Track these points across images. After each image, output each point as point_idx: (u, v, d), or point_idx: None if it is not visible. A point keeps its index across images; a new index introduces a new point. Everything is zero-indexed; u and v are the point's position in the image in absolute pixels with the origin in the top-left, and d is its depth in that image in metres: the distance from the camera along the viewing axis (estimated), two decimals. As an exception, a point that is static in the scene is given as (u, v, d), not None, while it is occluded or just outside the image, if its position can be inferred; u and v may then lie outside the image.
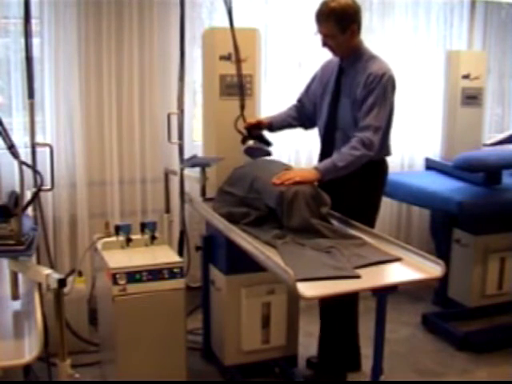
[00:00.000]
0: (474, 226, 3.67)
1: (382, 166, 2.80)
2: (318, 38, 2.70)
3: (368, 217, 2.76)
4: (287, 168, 2.69)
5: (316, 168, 2.55)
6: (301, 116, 2.99)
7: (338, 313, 2.81)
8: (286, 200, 2.41)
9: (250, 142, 2.85)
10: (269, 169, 2.69)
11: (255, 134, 2.87)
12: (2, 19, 3.35)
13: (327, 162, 2.56)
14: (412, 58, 4.31)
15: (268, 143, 2.90)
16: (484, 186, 3.59)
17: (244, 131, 2.85)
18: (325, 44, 2.69)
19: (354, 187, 2.68)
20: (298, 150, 4.04)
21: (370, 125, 2.55)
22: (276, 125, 2.96)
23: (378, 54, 2.74)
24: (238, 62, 2.82)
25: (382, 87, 2.57)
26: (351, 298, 2.79)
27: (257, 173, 2.68)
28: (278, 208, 2.46)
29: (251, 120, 2.86)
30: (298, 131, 3.68)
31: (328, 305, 2.80)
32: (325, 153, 2.82)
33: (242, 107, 2.85)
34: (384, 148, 2.71)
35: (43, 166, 2.78)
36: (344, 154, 2.54)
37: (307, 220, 2.38)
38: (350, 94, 2.67)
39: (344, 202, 2.66)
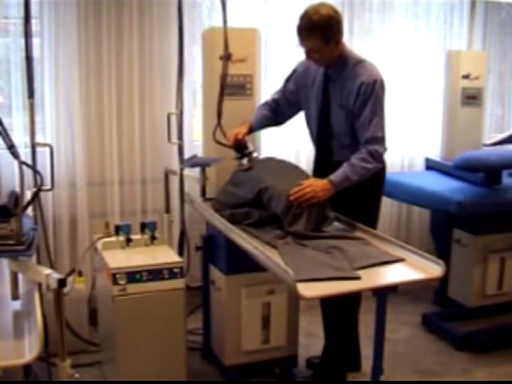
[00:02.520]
0: (474, 226, 3.67)
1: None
2: (301, 51, 2.66)
3: (370, 216, 2.77)
4: (301, 178, 2.63)
5: (330, 181, 2.54)
6: (275, 115, 2.94)
7: (340, 313, 2.81)
8: (292, 211, 2.44)
9: (244, 162, 2.79)
10: (279, 174, 2.67)
11: (239, 145, 2.78)
12: (1, 19, 3.34)
13: (340, 174, 2.55)
14: (412, 58, 4.30)
15: (251, 153, 2.80)
16: (484, 186, 3.58)
17: (229, 143, 2.79)
18: (309, 57, 2.64)
19: (355, 187, 2.67)
20: (298, 150, 4.03)
21: (375, 136, 2.58)
22: (255, 128, 2.90)
23: (364, 55, 2.73)
24: (227, 59, 2.77)
25: (376, 95, 2.58)
26: (353, 298, 2.79)
27: (265, 176, 2.64)
28: (282, 216, 2.48)
29: (237, 136, 2.75)
30: (298, 131, 3.69)
31: (330, 305, 2.79)
32: (321, 159, 2.86)
33: (219, 114, 2.79)
34: None
35: (43, 166, 2.77)
36: (356, 167, 2.55)
37: (301, 232, 2.42)
38: (342, 103, 2.66)
39: (346, 204, 2.65)
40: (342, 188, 2.55)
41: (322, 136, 2.81)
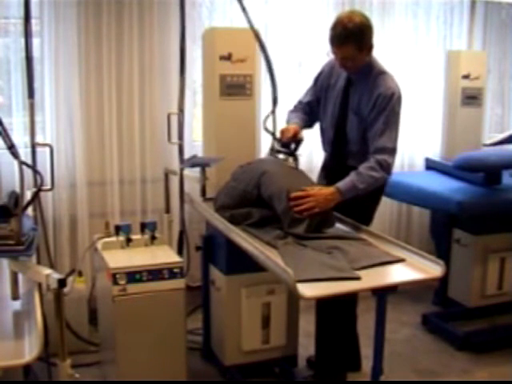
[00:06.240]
0: (474, 226, 3.67)
1: None
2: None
3: (363, 215, 2.76)
4: (304, 179, 2.64)
5: (337, 189, 2.53)
6: (309, 118, 2.93)
7: (336, 313, 2.81)
8: (292, 213, 2.43)
9: (290, 160, 2.75)
10: (281, 170, 2.66)
11: (293, 143, 2.73)
12: (1, 19, 3.35)
13: (347, 182, 2.55)
14: (412, 57, 4.31)
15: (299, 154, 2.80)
16: (484, 186, 3.58)
17: (277, 136, 2.78)
18: (342, 65, 2.64)
19: None
20: (298, 150, 4.03)
21: (386, 147, 2.59)
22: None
23: (387, 67, 2.73)
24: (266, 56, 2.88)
25: (392, 108, 2.59)
26: (350, 298, 2.79)
27: (267, 168, 2.63)
28: (283, 216, 2.47)
29: (289, 133, 2.70)
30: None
31: (325, 305, 2.79)
32: (333, 164, 2.87)
33: (275, 101, 2.81)
34: None
35: (43, 166, 2.78)
36: (364, 176, 2.55)
37: (301, 235, 2.41)
38: (358, 111, 2.67)
39: (344, 203, 2.65)
40: (349, 197, 2.54)
41: (336, 141, 2.80)
